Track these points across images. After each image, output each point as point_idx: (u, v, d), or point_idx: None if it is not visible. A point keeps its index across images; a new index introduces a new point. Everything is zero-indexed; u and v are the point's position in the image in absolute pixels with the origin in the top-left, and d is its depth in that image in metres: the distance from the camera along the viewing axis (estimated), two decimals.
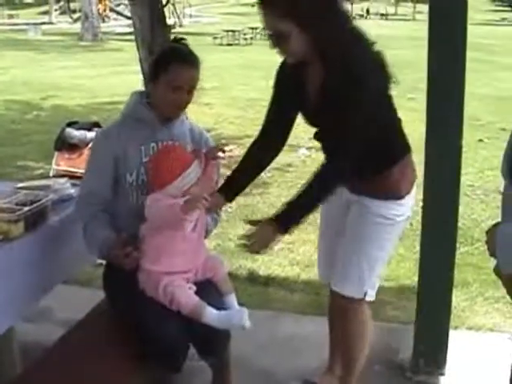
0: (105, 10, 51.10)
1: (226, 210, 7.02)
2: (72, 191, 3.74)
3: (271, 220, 2.97)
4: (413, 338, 4.00)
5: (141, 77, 6.53)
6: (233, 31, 35.36)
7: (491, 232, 2.47)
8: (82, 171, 3.53)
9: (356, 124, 2.82)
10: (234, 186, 3.28)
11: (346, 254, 3.26)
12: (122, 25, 43.32)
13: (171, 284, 3.04)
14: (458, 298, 5.05)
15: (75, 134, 7.87)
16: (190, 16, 58.07)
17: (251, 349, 4.13)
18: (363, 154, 2.86)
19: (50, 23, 52.55)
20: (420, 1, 55.85)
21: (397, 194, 3.14)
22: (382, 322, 4.43)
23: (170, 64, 3.23)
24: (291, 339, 4.41)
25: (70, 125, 8.10)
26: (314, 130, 3.18)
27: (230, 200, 3.32)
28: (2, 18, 57.96)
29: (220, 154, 3.21)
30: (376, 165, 3.09)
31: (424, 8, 25.98)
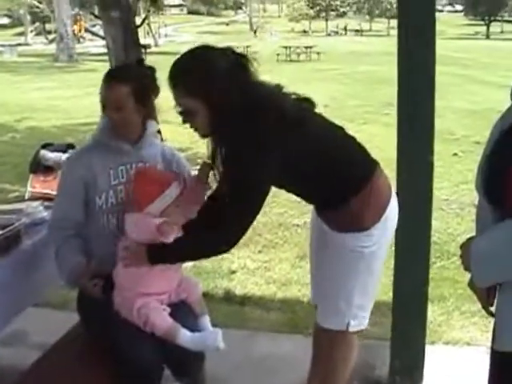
0: (80, 31, 51.15)
1: None
2: (45, 214, 3.74)
3: (147, 248, 2.99)
4: (389, 355, 4.00)
5: None
6: None
7: (465, 246, 2.47)
8: None
9: (233, 200, 2.84)
10: None
11: (322, 288, 3.28)
12: (97, 45, 43.30)
13: (146, 306, 3.04)
14: (434, 313, 5.07)
15: (50, 156, 7.79)
16: (166, 35, 58.24)
17: (227, 369, 4.10)
18: (308, 192, 2.97)
19: (26, 44, 52.49)
20: (394, 16, 56.25)
21: (360, 226, 3.05)
22: (359, 339, 4.42)
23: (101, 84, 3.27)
24: (267, 358, 4.38)
25: (44, 147, 8.03)
26: None
27: None
28: None
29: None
30: (327, 201, 3.08)
31: None
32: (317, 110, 3.08)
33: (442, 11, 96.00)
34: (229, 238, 2.87)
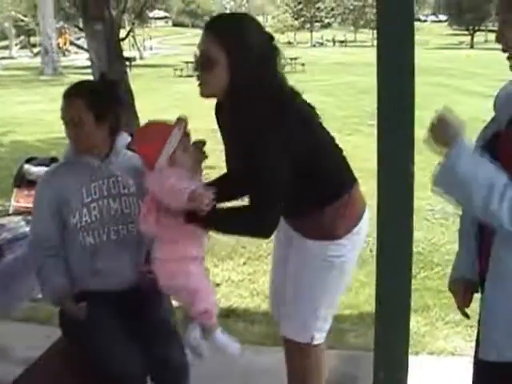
0: (65, 44, 51.12)
1: None
2: (27, 229, 3.76)
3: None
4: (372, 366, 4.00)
5: None
6: (193, 62, 34.98)
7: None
8: None
9: (261, 174, 2.81)
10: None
11: (288, 298, 3.24)
12: (82, 58, 43.22)
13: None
14: (418, 323, 5.09)
15: (34, 170, 7.80)
16: (151, 48, 58.27)
17: (211, 381, 4.11)
18: (286, 195, 2.88)
19: (11, 58, 52.42)
20: None
21: (332, 234, 3.08)
22: (343, 350, 4.43)
23: None
24: (251, 371, 4.40)
25: (28, 161, 8.03)
26: None
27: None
28: None
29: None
30: (303, 206, 3.08)
31: None
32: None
33: (425, 21, 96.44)
34: (268, 224, 2.89)
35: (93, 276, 3.28)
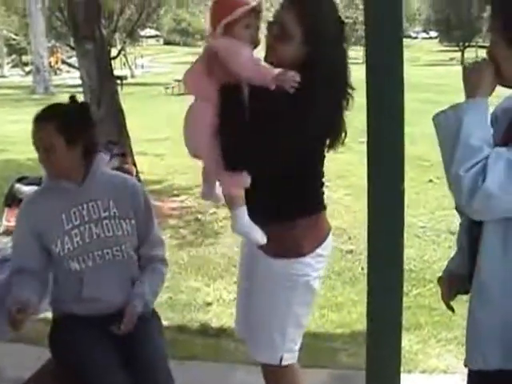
0: (57, 63, 51.06)
1: (177, 262, 6.99)
2: None
3: None
4: None
5: None
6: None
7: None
8: None
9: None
10: None
11: (255, 318, 3.19)
12: (73, 77, 43.15)
13: None
14: (410, 341, 5.06)
15: (24, 189, 7.79)
16: (142, 66, 58.19)
17: None
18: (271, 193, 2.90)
19: (2, 76, 52.29)
20: None
21: (297, 251, 3.04)
22: (335, 369, 4.41)
23: None
24: None
25: (19, 180, 8.03)
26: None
27: None
28: None
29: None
30: (280, 210, 3.02)
31: None
32: None
33: (416, 38, 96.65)
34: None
35: (81, 301, 3.25)
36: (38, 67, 37.66)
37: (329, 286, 6.37)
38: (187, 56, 78.27)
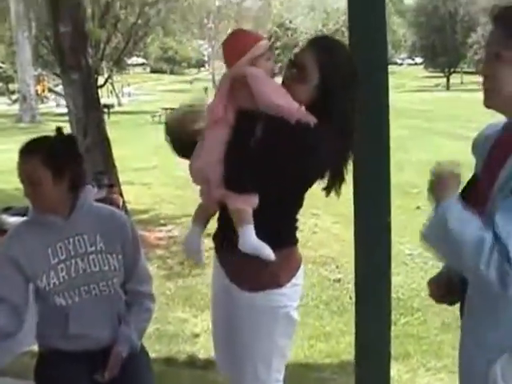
0: (43, 91, 51.10)
1: (164, 293, 6.96)
2: None
3: None
4: None
5: None
6: (171, 109, 34.81)
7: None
8: None
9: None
10: None
11: (238, 352, 3.15)
12: (60, 105, 43.28)
13: None
14: (399, 371, 5.04)
15: (9, 220, 7.74)
16: (129, 94, 58.26)
17: None
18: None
19: None
20: None
21: (275, 282, 3.02)
22: None
23: None
24: None
25: (6, 210, 7.98)
26: None
27: None
28: None
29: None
30: (264, 235, 2.95)
31: None
32: None
33: (402, 64, 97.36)
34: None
35: (67, 337, 3.20)
36: (25, 95, 37.67)
37: (317, 315, 6.35)
38: (174, 84, 78.52)
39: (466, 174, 2.56)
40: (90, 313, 3.22)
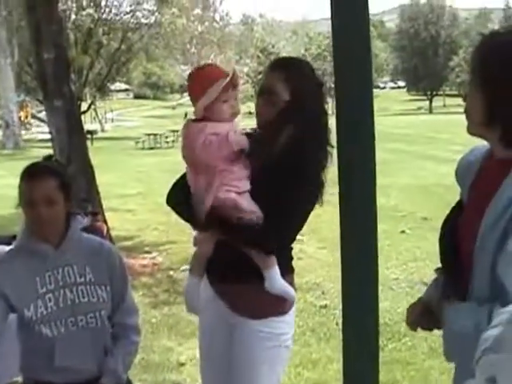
0: (27, 117, 51.01)
1: (149, 321, 6.90)
2: None
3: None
4: None
5: None
6: (154, 135, 35.23)
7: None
8: None
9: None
10: None
11: (233, 380, 3.16)
12: (44, 131, 43.15)
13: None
14: None
15: None
16: (112, 120, 58.35)
17: None
18: None
19: None
20: None
21: (280, 309, 3.09)
22: None
23: (21, 183, 3.14)
24: None
25: None
26: None
27: None
28: None
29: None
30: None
31: None
32: None
33: (384, 88, 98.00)
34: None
35: (52, 370, 3.15)
36: (8, 122, 37.55)
37: (303, 342, 6.30)
38: (157, 109, 78.79)
39: (452, 198, 2.55)
40: (76, 345, 3.17)
